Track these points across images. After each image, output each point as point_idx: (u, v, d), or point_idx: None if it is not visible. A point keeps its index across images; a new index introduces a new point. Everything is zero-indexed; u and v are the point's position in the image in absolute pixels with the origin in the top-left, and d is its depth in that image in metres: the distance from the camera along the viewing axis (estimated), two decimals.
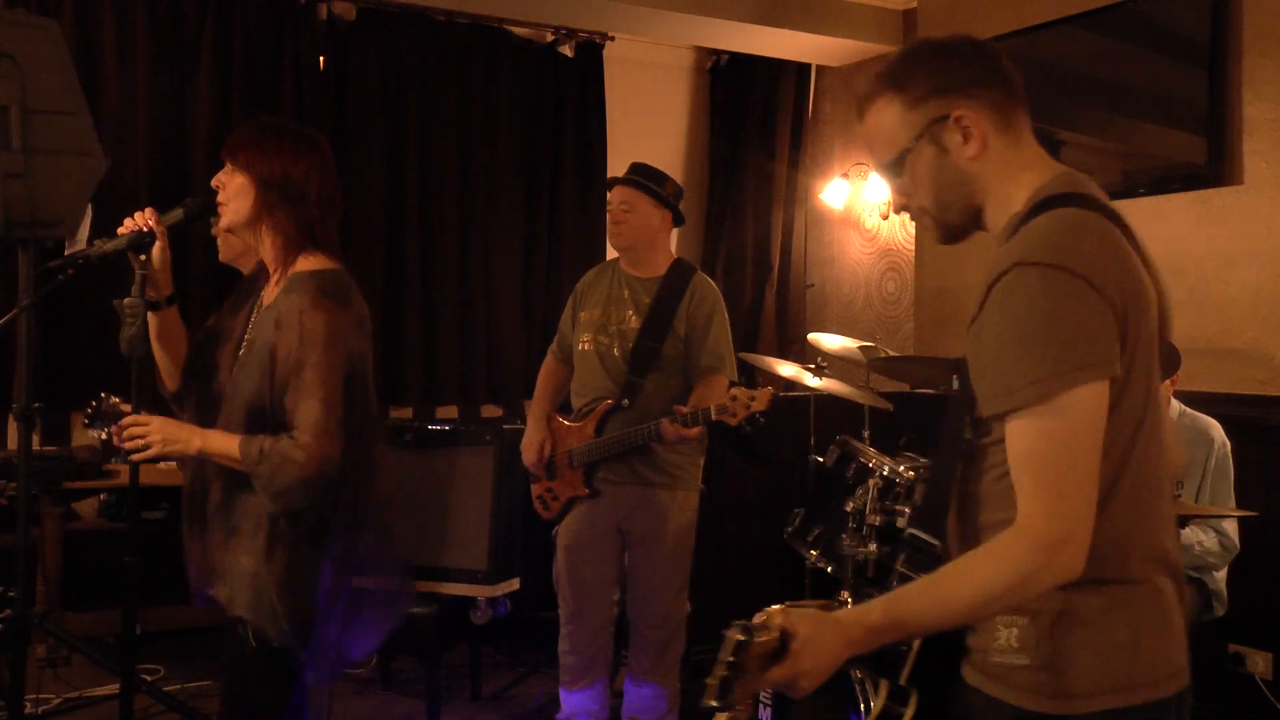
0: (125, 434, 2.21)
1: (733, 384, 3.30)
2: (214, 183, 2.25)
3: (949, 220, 1.59)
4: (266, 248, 2.25)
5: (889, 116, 1.56)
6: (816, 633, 1.41)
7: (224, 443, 2.17)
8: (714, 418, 3.15)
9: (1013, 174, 1.54)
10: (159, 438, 2.19)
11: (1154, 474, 1.49)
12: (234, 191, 2.22)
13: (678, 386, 3.40)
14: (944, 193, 1.56)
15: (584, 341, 3.49)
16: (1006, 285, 1.40)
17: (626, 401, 3.36)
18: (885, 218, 6.28)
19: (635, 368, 3.38)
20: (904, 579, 1.55)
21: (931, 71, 1.54)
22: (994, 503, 1.49)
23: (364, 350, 2.22)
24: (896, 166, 1.57)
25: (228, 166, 2.24)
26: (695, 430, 3.22)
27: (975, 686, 1.51)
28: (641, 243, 3.45)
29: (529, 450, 3.52)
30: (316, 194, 2.22)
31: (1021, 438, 1.39)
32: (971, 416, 1.51)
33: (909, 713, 1.54)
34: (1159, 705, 1.46)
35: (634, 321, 3.42)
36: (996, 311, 1.41)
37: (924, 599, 1.43)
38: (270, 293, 2.26)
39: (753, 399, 3.10)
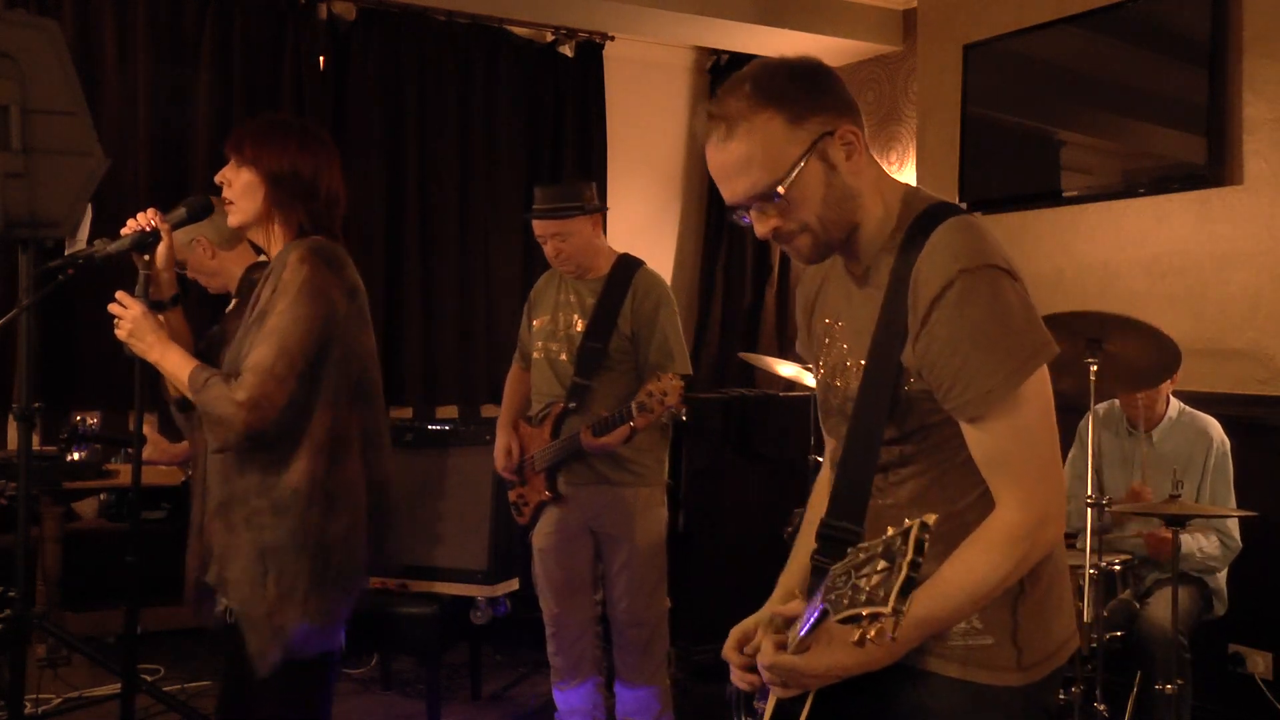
0: (111, 306, 2.22)
1: (684, 378, 3.26)
2: (218, 179, 2.22)
3: (831, 238, 1.54)
4: (277, 244, 2.22)
5: (771, 134, 1.47)
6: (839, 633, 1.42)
7: (179, 364, 2.17)
8: (635, 415, 3.15)
9: (879, 189, 1.56)
10: (129, 326, 2.21)
11: None
12: (242, 189, 2.19)
13: (628, 386, 3.36)
14: (830, 210, 1.51)
15: (537, 349, 3.49)
16: (959, 293, 1.43)
17: (574, 404, 3.35)
18: None
19: (581, 370, 3.36)
20: (819, 568, 1.54)
21: (808, 87, 1.49)
22: (949, 494, 1.53)
23: (355, 320, 2.17)
24: (781, 186, 1.47)
25: (232, 163, 2.20)
26: (612, 437, 3.21)
27: (933, 672, 1.53)
28: (586, 259, 3.43)
29: (499, 457, 3.51)
30: (325, 189, 2.21)
31: (988, 436, 1.46)
32: (904, 419, 1.52)
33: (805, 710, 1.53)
34: (1070, 662, 1.60)
35: (580, 325, 3.41)
36: (952, 319, 1.43)
37: (928, 602, 1.43)
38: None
39: (665, 394, 3.11)
